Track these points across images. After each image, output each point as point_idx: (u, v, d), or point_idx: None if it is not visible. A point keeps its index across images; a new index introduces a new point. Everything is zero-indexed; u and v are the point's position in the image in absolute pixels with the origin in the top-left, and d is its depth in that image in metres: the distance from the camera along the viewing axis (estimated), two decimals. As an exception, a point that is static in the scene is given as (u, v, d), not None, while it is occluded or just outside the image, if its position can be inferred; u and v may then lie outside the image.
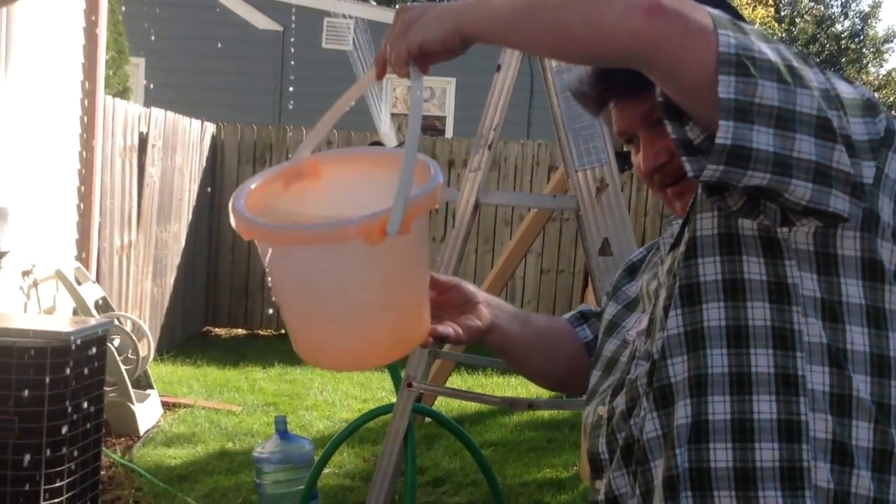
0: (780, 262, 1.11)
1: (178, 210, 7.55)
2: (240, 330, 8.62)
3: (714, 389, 1.11)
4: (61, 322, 3.95)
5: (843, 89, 1.08)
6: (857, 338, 1.09)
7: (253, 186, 1.25)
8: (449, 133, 11.72)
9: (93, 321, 3.77)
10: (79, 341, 3.36)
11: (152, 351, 5.76)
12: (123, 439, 5.11)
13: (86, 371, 3.42)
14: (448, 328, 1.30)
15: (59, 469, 3.26)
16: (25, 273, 5.04)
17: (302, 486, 4.04)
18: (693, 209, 1.18)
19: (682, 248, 1.18)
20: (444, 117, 12.10)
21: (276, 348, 7.68)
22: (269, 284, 1.19)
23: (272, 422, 5.62)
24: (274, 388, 6.44)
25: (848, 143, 1.04)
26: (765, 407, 1.09)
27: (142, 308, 6.82)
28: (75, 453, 3.35)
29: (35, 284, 5.13)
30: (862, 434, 1.08)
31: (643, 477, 1.16)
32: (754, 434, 1.09)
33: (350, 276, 1.15)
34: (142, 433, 5.21)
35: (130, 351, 5.39)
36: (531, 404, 3.29)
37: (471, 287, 1.38)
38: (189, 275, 7.88)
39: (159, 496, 4.29)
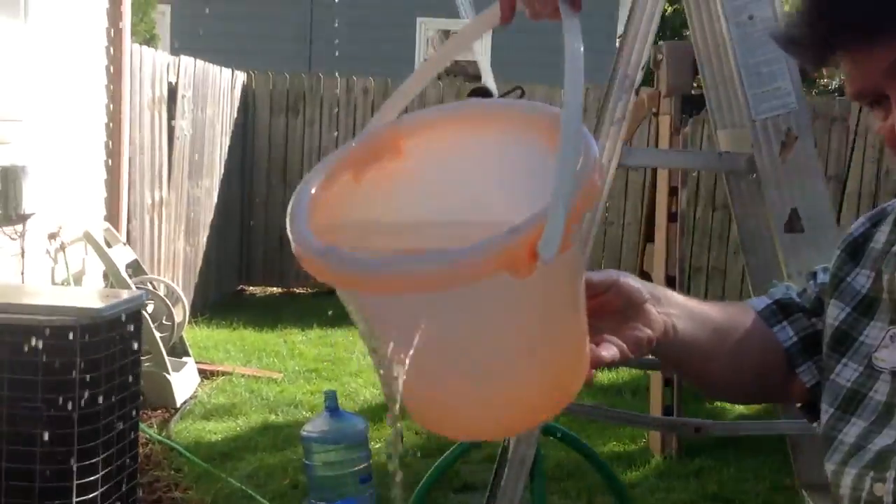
0: None
1: (209, 165, 7.19)
2: (275, 288, 8.30)
3: None
4: (91, 296, 3.62)
5: None
6: None
7: (313, 191, 0.84)
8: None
9: (125, 294, 3.42)
10: (111, 317, 3.02)
11: (187, 316, 5.44)
12: (159, 412, 4.81)
13: (119, 350, 3.08)
14: (611, 349, 0.91)
15: (92, 461, 2.94)
16: (52, 236, 4.71)
17: (356, 468, 3.73)
18: None
19: None
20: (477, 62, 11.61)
21: (313, 308, 7.35)
22: (360, 329, 0.81)
23: (315, 390, 5.32)
24: (315, 352, 6.12)
25: None
26: None
27: (174, 269, 6.49)
28: (110, 442, 3.03)
29: (62, 248, 4.80)
30: None
31: None
32: None
33: (486, 320, 0.77)
34: (179, 404, 4.91)
35: (165, 317, 5.08)
36: (698, 428, 2.46)
37: (632, 281, 0.99)
38: (222, 232, 7.55)
39: (201, 477, 3.99)
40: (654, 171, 5.03)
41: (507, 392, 0.83)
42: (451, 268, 0.68)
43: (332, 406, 3.75)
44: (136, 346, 3.24)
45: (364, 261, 0.73)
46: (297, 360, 5.90)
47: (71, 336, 2.89)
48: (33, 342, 2.87)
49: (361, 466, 3.77)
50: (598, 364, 0.90)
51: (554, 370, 0.84)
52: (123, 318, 3.11)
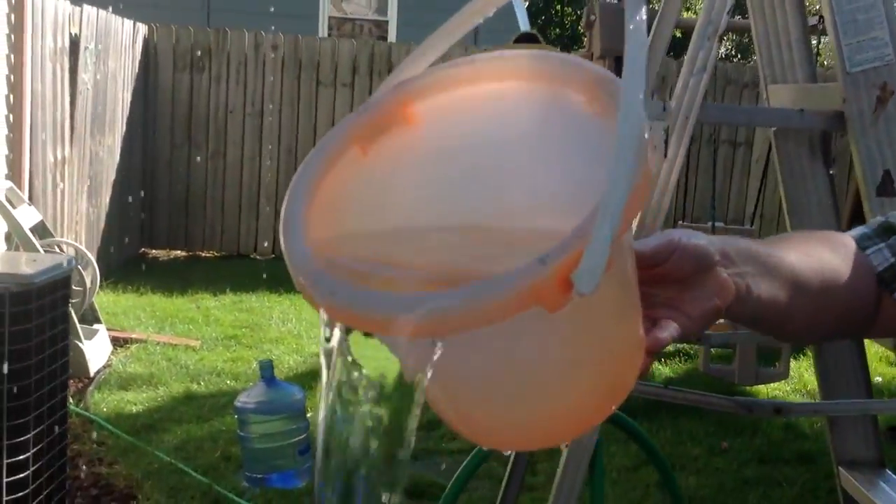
0: None
1: (111, 122, 6.84)
2: (179, 251, 8.00)
3: None
4: (14, 261, 3.36)
5: None
6: None
7: (310, 181, 0.71)
8: (392, 39, 11.05)
9: (50, 259, 3.19)
10: (42, 284, 2.80)
11: (98, 280, 5.16)
12: (72, 382, 4.55)
13: (49, 319, 2.87)
14: (670, 327, 0.80)
15: (23, 438, 2.73)
16: (-48, 196, 4.39)
17: (294, 439, 3.61)
18: None
19: None
20: (387, 22, 11.40)
21: (222, 272, 7.12)
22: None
23: (236, 358, 5.13)
24: (230, 318, 5.91)
25: None
26: None
27: (77, 231, 6.16)
28: (41, 417, 2.82)
29: (-37, 208, 4.48)
30: None
31: None
32: None
33: (518, 347, 0.67)
34: (92, 374, 4.67)
35: (75, 282, 4.80)
36: (778, 409, 2.15)
37: (698, 241, 0.84)
38: (124, 193, 7.20)
39: (126, 451, 3.79)
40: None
41: (552, 410, 0.73)
42: (471, 309, 0.56)
43: (268, 376, 3.61)
44: (64, 314, 3.03)
45: (361, 300, 0.59)
46: (213, 326, 5.68)
47: (0, 304, 2.67)
48: (-43, 311, 2.65)
49: (300, 437, 3.66)
50: (657, 348, 0.78)
51: (603, 376, 0.74)
52: (56, 283, 2.89)
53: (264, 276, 6.75)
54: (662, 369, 5.21)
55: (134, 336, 5.31)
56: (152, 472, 3.62)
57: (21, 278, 2.76)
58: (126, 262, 7.27)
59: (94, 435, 3.94)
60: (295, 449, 3.66)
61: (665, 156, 1.99)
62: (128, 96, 7.24)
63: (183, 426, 4.12)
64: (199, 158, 7.83)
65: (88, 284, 4.93)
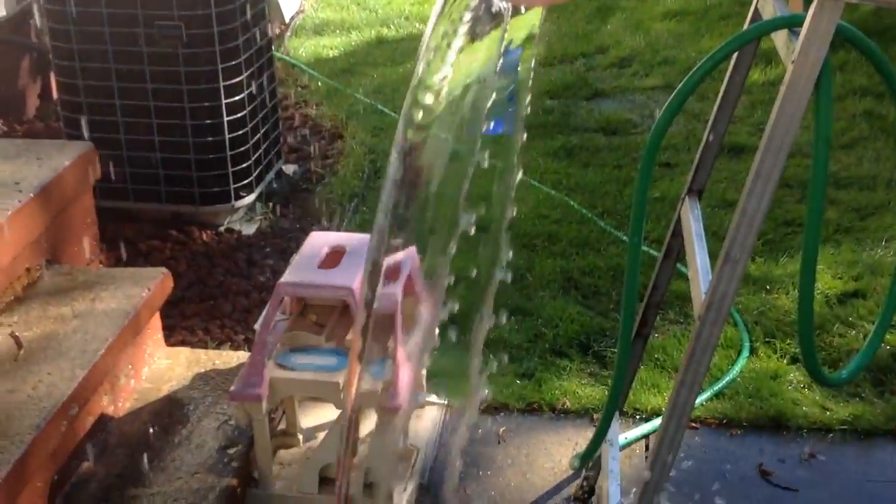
0: None
1: None
2: None
3: None
4: None
5: None
6: None
7: None
8: None
9: None
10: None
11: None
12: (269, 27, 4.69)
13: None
14: None
15: (236, 80, 2.89)
16: None
17: (508, 91, 3.67)
18: None
19: None
20: None
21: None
22: None
23: (423, 1, 5.11)
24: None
25: None
26: None
27: None
28: (250, 60, 2.96)
29: None
30: None
31: None
32: None
33: None
34: (287, 20, 4.79)
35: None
36: None
37: None
38: None
39: (329, 94, 3.96)
40: None
41: None
42: None
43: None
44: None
45: None
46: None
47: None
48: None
49: (511, 88, 3.71)
50: None
51: None
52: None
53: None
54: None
55: (321, -18, 5.35)
56: (355, 112, 3.79)
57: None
58: None
59: (297, 80, 4.12)
60: (508, 99, 3.73)
61: None
62: None
63: (378, 69, 4.23)
64: None
65: (273, -69, 4.91)
